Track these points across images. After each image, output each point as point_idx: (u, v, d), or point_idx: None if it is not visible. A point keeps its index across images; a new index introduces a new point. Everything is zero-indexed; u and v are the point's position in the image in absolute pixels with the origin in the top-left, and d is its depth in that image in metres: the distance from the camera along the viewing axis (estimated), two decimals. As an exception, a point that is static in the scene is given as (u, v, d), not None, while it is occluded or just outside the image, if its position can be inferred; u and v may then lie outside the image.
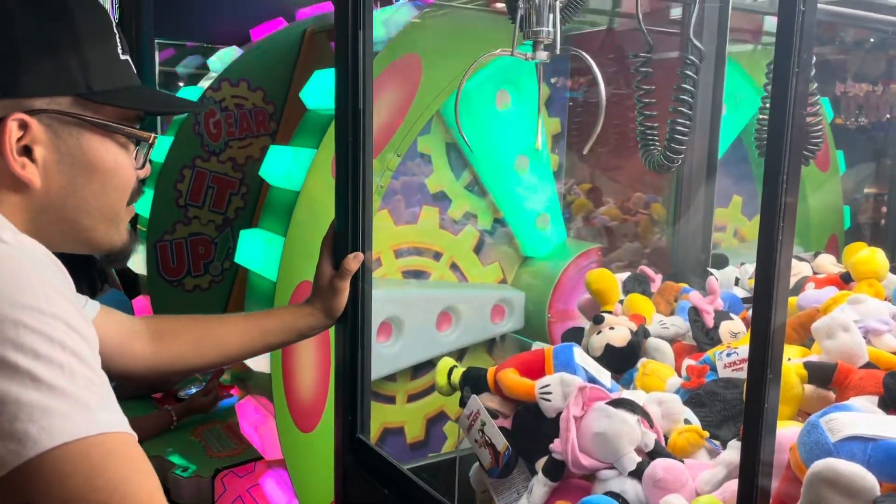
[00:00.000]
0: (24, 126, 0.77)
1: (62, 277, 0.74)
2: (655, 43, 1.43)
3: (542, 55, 1.20)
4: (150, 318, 1.23)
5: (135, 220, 3.02)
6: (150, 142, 0.89)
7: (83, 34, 0.80)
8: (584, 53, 1.22)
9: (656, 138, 1.45)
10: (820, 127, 1.67)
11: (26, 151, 0.78)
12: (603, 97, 1.21)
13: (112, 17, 0.87)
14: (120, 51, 0.85)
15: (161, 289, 2.93)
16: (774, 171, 0.72)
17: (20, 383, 0.60)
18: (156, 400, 2.74)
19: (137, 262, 3.03)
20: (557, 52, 1.20)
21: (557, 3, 1.18)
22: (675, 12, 1.92)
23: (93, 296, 1.14)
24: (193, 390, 2.72)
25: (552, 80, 2.18)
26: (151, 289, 2.92)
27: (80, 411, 0.62)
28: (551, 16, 1.17)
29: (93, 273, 2.37)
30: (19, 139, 0.77)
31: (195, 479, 2.24)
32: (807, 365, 1.04)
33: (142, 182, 0.92)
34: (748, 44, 2.33)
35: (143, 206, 3.04)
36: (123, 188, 0.87)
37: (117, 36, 0.85)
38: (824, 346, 1.09)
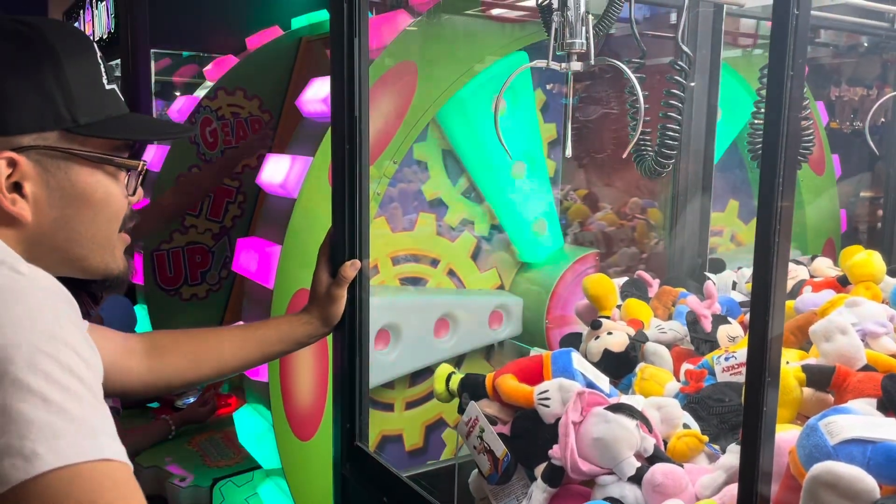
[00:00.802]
0: (12, 164, 0.78)
1: (70, 305, 0.76)
2: (653, 48, 1.43)
3: (576, 65, 1.25)
4: (145, 335, 1.22)
5: (131, 248, 3.02)
6: (140, 169, 0.90)
7: (67, 67, 0.81)
8: (618, 63, 1.26)
9: (648, 144, 1.45)
10: (811, 130, 1.67)
11: (16, 188, 0.79)
12: (642, 103, 1.25)
13: (97, 48, 0.86)
14: (105, 80, 0.86)
15: (158, 298, 2.92)
16: (770, 175, 0.72)
17: (32, 404, 0.62)
18: (153, 410, 2.73)
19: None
20: (592, 62, 1.24)
21: (590, 16, 1.22)
22: (673, 17, 1.92)
23: (94, 303, 1.14)
24: (191, 400, 2.72)
25: (548, 87, 2.19)
26: (148, 298, 2.91)
27: (85, 436, 0.63)
28: (584, 28, 1.21)
29: (90, 283, 2.36)
30: (8, 176, 0.78)
31: (193, 488, 2.23)
32: (805, 368, 1.04)
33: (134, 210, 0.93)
34: (744, 48, 2.34)
35: (140, 216, 3.03)
36: (115, 217, 0.88)
37: (102, 66, 0.86)
38: (822, 349, 1.09)
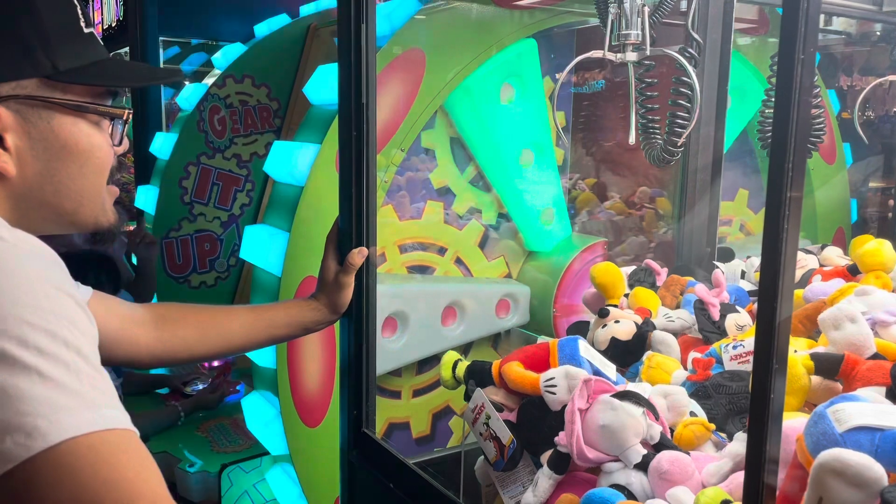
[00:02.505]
0: None
1: (59, 269, 0.73)
2: (662, 35, 1.42)
3: (632, 56, 1.27)
4: (154, 305, 1.22)
5: (141, 218, 3.04)
6: (125, 118, 0.86)
7: (42, 12, 0.77)
8: (673, 52, 1.26)
9: (657, 131, 1.44)
10: (822, 118, 1.65)
11: None
12: (698, 93, 1.27)
13: None
14: (83, 24, 0.82)
15: (167, 286, 2.94)
16: (779, 161, 0.71)
17: (28, 379, 0.60)
18: (162, 396, 2.75)
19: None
20: (648, 52, 1.26)
21: (646, 7, 1.23)
22: (684, 4, 1.91)
23: (114, 294, 1.14)
24: (200, 386, 2.73)
25: (556, 75, 2.17)
26: (158, 286, 2.93)
27: (86, 407, 0.62)
28: (639, 19, 1.23)
29: (116, 272, 2.39)
30: None
31: (202, 473, 2.25)
32: (813, 356, 1.03)
33: (122, 157, 0.90)
34: (755, 36, 2.32)
35: (149, 204, 3.05)
36: (101, 168, 0.84)
37: (78, 8, 0.82)
38: (831, 337, 1.09)
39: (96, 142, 0.83)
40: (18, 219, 0.78)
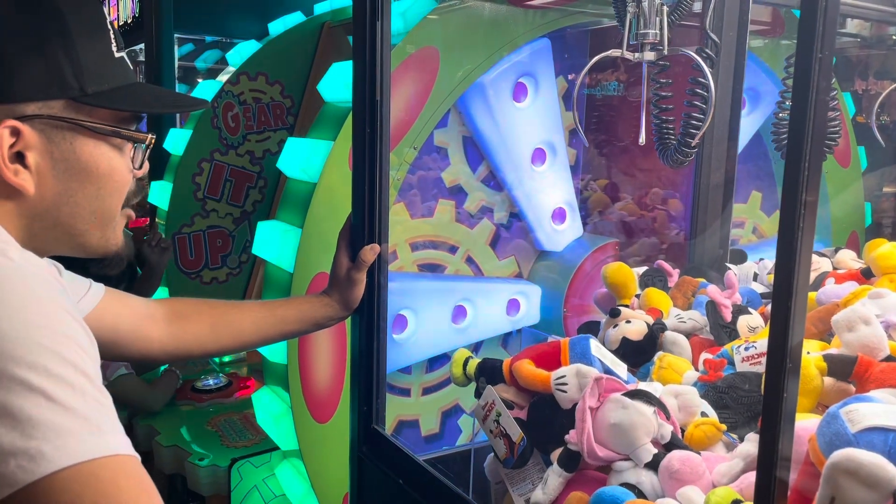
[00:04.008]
0: (15, 132, 0.75)
1: (62, 292, 0.72)
2: (676, 36, 1.42)
3: (650, 55, 1.26)
4: (167, 301, 1.23)
5: (153, 213, 3.05)
6: (147, 143, 0.86)
7: (75, 33, 0.77)
8: (690, 52, 1.26)
9: (672, 132, 1.44)
10: (838, 121, 1.64)
11: (19, 158, 0.76)
12: (713, 94, 1.26)
13: (106, 12, 0.83)
14: (115, 48, 0.82)
15: (179, 281, 2.95)
16: (795, 163, 0.71)
17: (34, 402, 0.60)
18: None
19: (156, 255, 3.04)
20: (665, 52, 1.26)
21: (665, 7, 1.23)
22: (697, 5, 1.90)
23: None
24: (211, 382, 2.75)
25: (569, 76, 2.17)
26: (169, 281, 2.95)
27: (90, 432, 0.62)
28: (658, 19, 1.23)
29: (134, 274, 2.40)
30: (11, 146, 0.75)
31: (212, 468, 2.26)
32: (826, 357, 1.03)
33: (140, 181, 0.90)
34: (770, 37, 2.31)
35: (162, 199, 3.07)
36: (119, 192, 0.85)
37: (111, 32, 0.82)
38: (844, 339, 1.08)
39: (117, 165, 0.83)
40: (30, 237, 0.78)
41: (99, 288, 1.09)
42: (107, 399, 0.66)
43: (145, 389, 2.55)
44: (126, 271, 2.36)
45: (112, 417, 0.65)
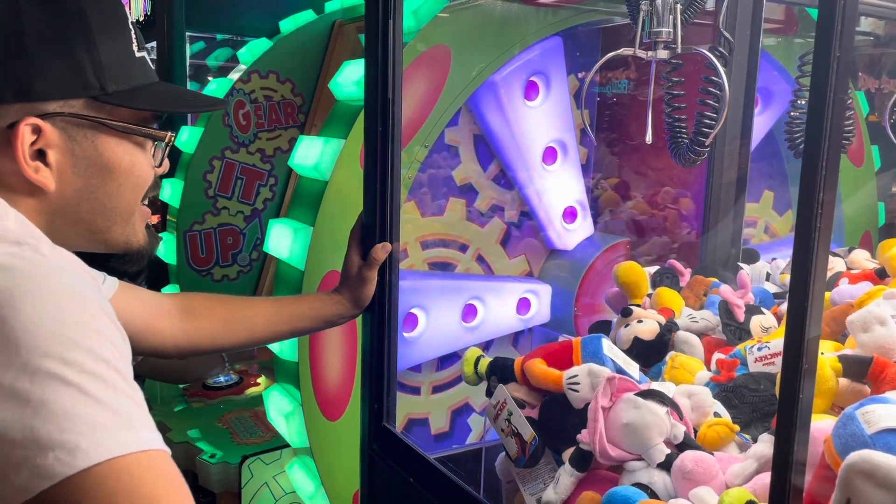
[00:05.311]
0: (37, 130, 0.75)
1: (95, 287, 0.73)
2: (689, 35, 1.41)
3: (662, 54, 1.26)
4: (179, 296, 1.24)
5: (164, 211, 3.07)
6: (168, 141, 0.87)
7: (96, 32, 0.78)
8: (704, 51, 1.25)
9: (684, 131, 1.43)
10: (852, 119, 1.63)
11: (40, 155, 0.76)
12: (727, 93, 1.26)
13: (127, 12, 0.83)
14: (135, 47, 0.82)
15: (190, 278, 2.97)
16: (812, 162, 0.70)
17: (70, 396, 0.60)
18: (181, 390, 2.77)
19: (167, 252, 3.07)
20: (679, 51, 1.25)
21: (678, 4, 1.22)
22: (710, 4, 1.89)
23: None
24: (222, 379, 2.76)
25: (579, 75, 2.17)
26: (180, 278, 2.96)
27: (124, 428, 0.62)
28: (671, 17, 1.22)
29: (154, 270, 2.41)
30: (32, 143, 0.75)
31: (222, 465, 2.27)
32: (842, 358, 1.02)
33: (159, 178, 0.91)
34: (783, 35, 2.29)
35: (173, 197, 3.08)
36: (139, 188, 0.85)
37: (132, 32, 0.83)
38: (859, 340, 1.07)
39: (138, 161, 0.84)
40: (52, 234, 0.78)
41: (112, 282, 1.10)
42: (138, 394, 0.67)
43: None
44: (146, 268, 2.37)
45: (143, 412, 0.66)
